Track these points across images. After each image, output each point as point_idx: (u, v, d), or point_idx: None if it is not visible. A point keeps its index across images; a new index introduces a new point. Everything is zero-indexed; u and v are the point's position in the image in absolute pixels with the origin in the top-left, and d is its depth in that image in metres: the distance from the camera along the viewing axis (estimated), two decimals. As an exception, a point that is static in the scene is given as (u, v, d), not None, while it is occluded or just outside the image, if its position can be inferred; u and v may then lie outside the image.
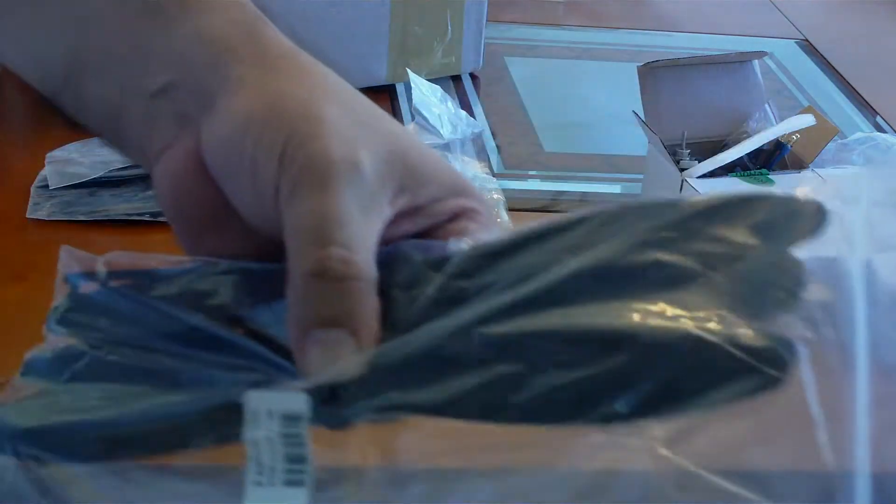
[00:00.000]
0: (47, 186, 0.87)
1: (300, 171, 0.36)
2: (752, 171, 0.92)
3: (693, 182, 0.89)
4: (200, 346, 0.38)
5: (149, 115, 0.40)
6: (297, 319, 0.36)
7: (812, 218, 0.38)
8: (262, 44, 0.40)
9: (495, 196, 0.92)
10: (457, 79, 1.18)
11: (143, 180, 0.88)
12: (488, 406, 0.36)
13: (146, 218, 0.86)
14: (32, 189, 0.88)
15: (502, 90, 1.18)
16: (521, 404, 0.35)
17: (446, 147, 1.00)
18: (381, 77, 1.11)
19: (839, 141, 0.98)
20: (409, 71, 1.06)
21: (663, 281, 0.36)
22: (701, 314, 0.36)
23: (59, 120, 0.99)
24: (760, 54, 1.03)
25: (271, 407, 0.35)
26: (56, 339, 0.39)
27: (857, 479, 0.35)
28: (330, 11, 1.06)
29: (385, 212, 0.38)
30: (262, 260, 0.40)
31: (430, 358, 0.36)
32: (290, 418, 0.35)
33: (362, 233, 0.37)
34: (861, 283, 0.37)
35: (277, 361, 0.37)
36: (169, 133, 0.40)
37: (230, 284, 0.40)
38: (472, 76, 1.19)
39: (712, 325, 0.35)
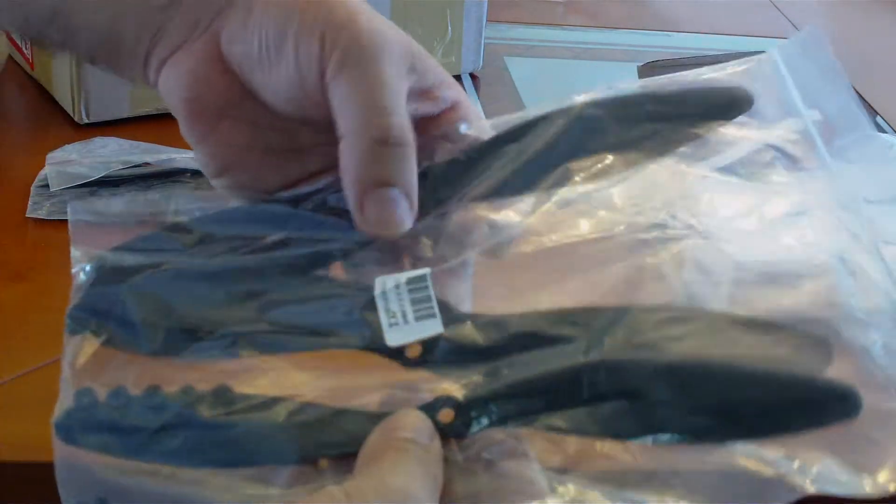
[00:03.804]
0: (47, 186, 0.87)
1: (345, 50, 0.40)
2: (752, 171, 0.92)
3: (693, 182, 0.89)
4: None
5: (153, 26, 0.43)
6: (357, 181, 0.40)
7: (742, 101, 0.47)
8: None
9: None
10: (457, 79, 1.17)
11: (144, 180, 0.88)
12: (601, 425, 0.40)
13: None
14: (32, 189, 0.88)
15: (502, 90, 1.18)
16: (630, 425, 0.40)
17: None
18: (381, 77, 1.11)
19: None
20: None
21: None
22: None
23: (59, 120, 1.00)
24: (760, 54, 1.02)
25: (398, 278, 0.40)
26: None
27: None
28: (330, 11, 1.06)
29: (405, 84, 0.42)
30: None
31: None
32: (414, 279, 0.40)
33: (403, 101, 0.41)
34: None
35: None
36: (178, 38, 0.43)
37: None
38: (472, 76, 1.19)
39: None
